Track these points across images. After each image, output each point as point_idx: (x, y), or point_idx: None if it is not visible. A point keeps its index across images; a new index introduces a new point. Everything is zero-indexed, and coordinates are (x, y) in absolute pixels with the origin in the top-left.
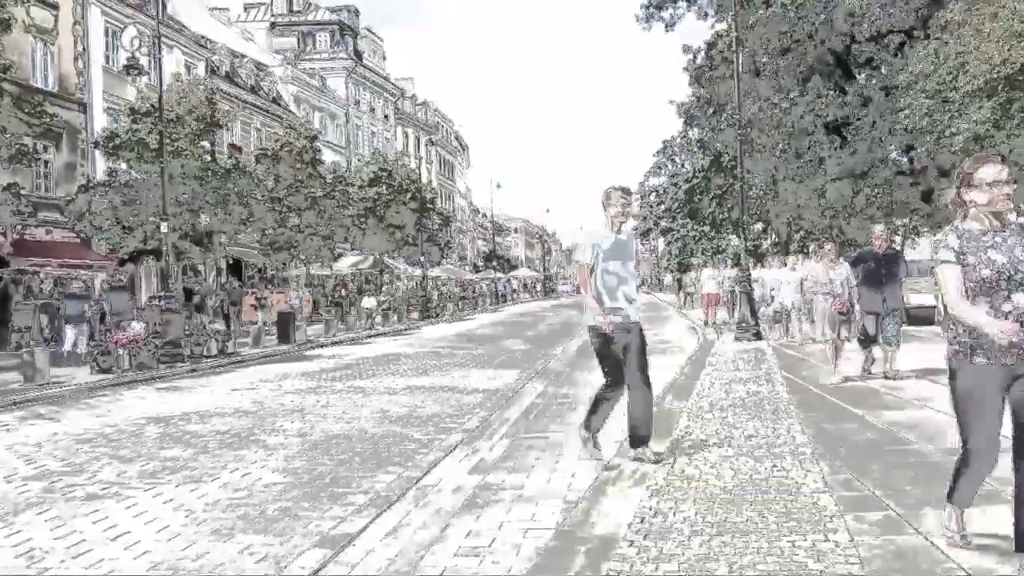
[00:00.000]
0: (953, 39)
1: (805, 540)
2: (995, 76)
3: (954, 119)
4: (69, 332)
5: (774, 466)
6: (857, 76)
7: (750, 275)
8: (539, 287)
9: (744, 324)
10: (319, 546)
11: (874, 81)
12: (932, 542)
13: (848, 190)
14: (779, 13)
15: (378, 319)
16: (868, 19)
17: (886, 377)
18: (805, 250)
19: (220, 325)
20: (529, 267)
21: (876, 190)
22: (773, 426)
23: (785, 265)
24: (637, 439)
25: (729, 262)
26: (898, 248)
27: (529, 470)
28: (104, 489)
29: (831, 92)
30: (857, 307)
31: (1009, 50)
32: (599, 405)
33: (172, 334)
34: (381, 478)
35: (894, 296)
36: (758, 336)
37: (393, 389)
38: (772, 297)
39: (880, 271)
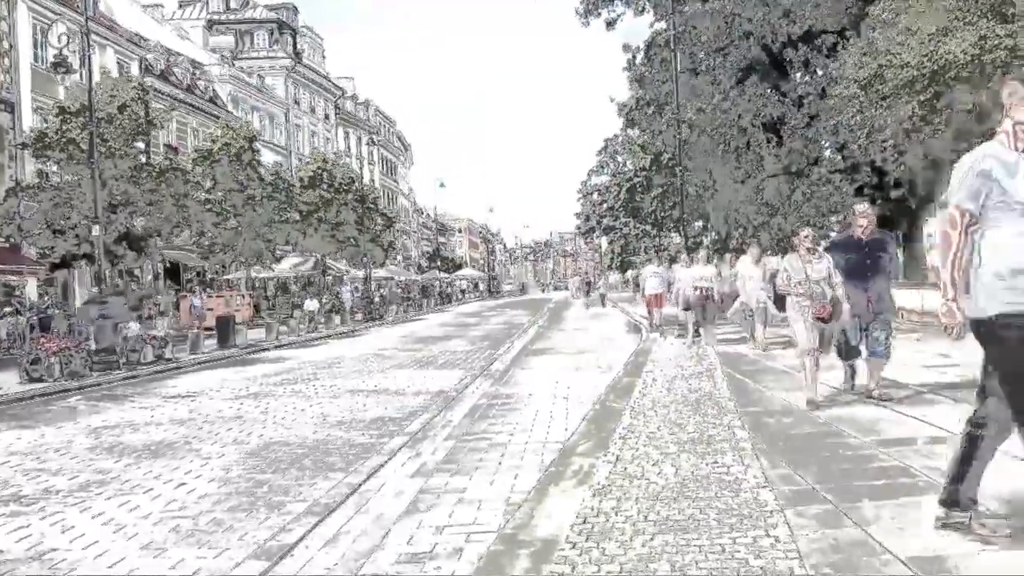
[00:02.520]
0: (882, 37)
1: (746, 536)
2: (922, 72)
3: (883, 113)
4: None
5: (715, 462)
6: (792, 76)
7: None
8: (484, 287)
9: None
10: (255, 558)
11: (808, 80)
12: (870, 534)
13: (785, 188)
14: (716, 10)
15: (321, 322)
16: (800, 18)
17: (870, 396)
18: (743, 247)
19: (160, 331)
20: (474, 267)
21: (811, 187)
22: (714, 422)
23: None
24: None
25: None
26: (886, 233)
27: (472, 472)
28: (29, 505)
29: (768, 91)
30: (845, 307)
31: (935, 46)
32: (973, 451)
33: (106, 341)
34: (321, 484)
35: (883, 295)
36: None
37: (335, 393)
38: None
39: (865, 263)
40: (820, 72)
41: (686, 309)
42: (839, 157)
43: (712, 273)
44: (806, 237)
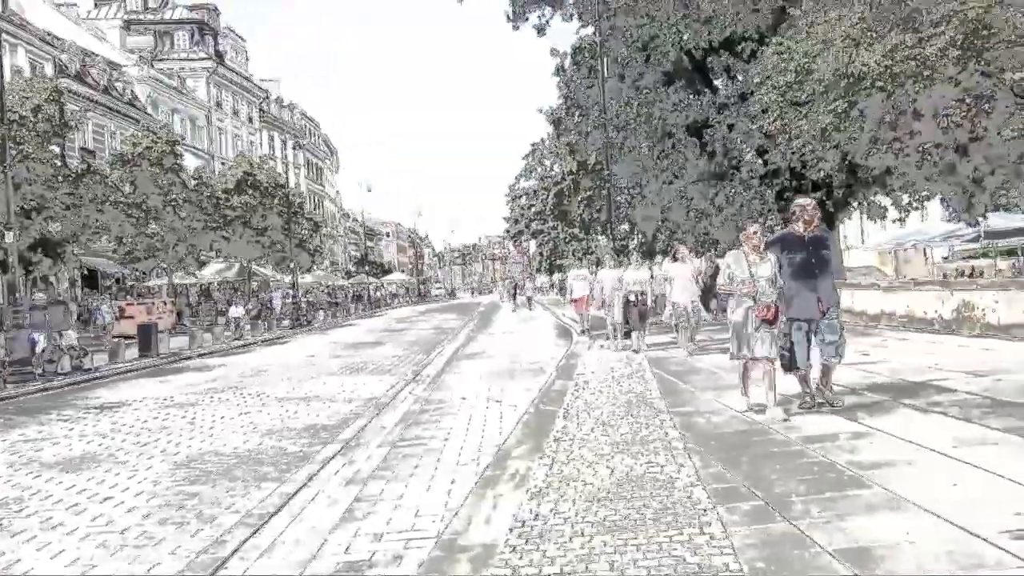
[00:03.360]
0: (799, 47)
1: (682, 534)
2: (837, 81)
3: (800, 121)
4: None
5: (649, 462)
6: (714, 81)
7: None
8: (413, 291)
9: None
10: (189, 570)
11: (729, 86)
12: (799, 528)
13: (709, 192)
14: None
15: (247, 328)
16: (720, 25)
17: (823, 402)
18: (670, 250)
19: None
20: (402, 271)
21: (734, 191)
22: (646, 423)
23: (620, 266)
24: None
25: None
26: (824, 230)
27: (408, 479)
28: None
29: (691, 96)
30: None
31: (849, 57)
32: None
33: (19, 351)
34: (254, 495)
35: (830, 292)
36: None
37: (264, 401)
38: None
39: (810, 261)
40: (741, 78)
41: (626, 322)
42: (760, 162)
43: (646, 277)
44: (754, 234)
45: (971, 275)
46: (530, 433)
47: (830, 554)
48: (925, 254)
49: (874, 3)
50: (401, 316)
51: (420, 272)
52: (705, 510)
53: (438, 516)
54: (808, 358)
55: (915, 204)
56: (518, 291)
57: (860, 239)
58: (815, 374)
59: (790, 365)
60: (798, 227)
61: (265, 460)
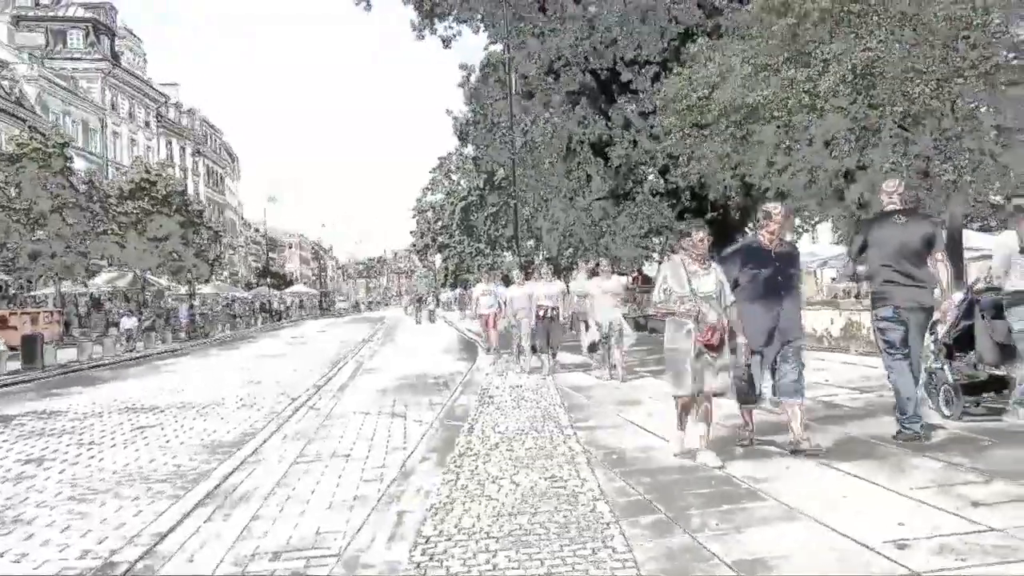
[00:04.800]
0: (700, 75)
1: (585, 548)
2: (736, 110)
3: (702, 145)
4: None
5: (552, 476)
6: (619, 101)
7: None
8: (316, 304)
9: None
10: None
11: (633, 106)
12: (699, 541)
13: (612, 209)
14: (547, 35)
15: (139, 341)
16: (625, 47)
17: (797, 450)
18: (573, 265)
19: None
20: (305, 283)
21: (636, 209)
22: (551, 438)
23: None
24: None
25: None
26: (794, 246)
27: (309, 495)
28: None
29: (596, 115)
30: (741, 341)
31: (747, 88)
32: None
33: None
34: (158, 506)
35: (794, 319)
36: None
37: (159, 415)
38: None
39: (776, 279)
40: (645, 99)
41: (544, 342)
42: (661, 181)
43: (559, 290)
44: (700, 241)
45: (857, 296)
46: (435, 448)
47: (727, 565)
48: (816, 275)
49: (769, 39)
50: (303, 329)
51: (324, 285)
52: (608, 524)
53: (340, 533)
54: (761, 390)
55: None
56: (422, 305)
57: None
58: (792, 421)
59: (744, 398)
60: (765, 238)
61: (158, 478)
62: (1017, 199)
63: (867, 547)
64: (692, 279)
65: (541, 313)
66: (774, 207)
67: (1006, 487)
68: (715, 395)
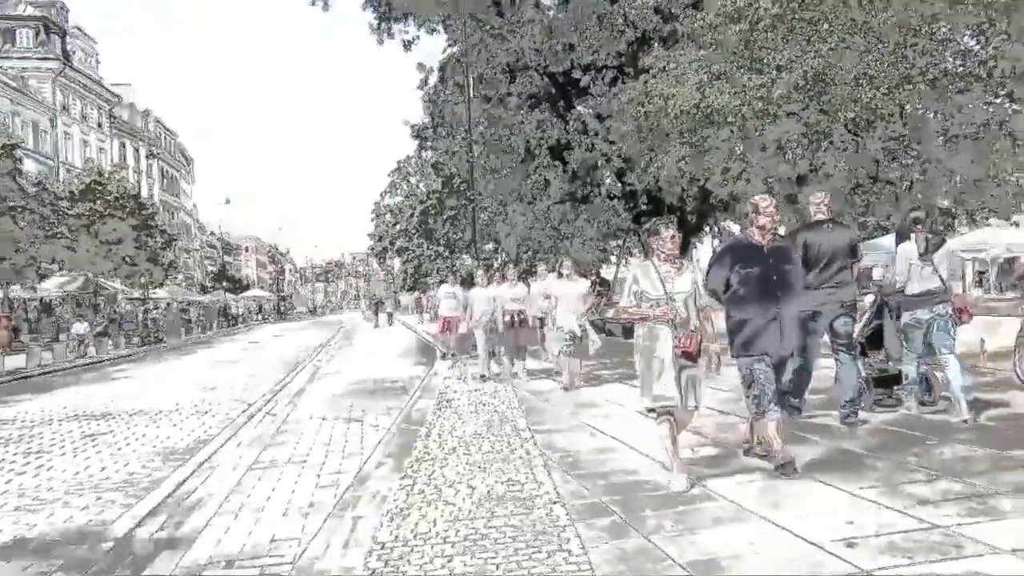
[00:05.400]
0: (656, 81)
1: (541, 552)
2: (692, 117)
3: (659, 152)
4: None
5: (509, 480)
6: (576, 104)
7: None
8: (273, 308)
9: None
10: None
11: (590, 110)
12: (653, 542)
13: (571, 212)
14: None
15: (91, 347)
16: (582, 51)
17: (748, 452)
18: (533, 269)
19: None
20: (262, 287)
21: (594, 213)
22: (508, 442)
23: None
24: None
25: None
26: (788, 241)
27: (263, 503)
28: None
29: (554, 119)
30: (714, 348)
31: (702, 95)
32: None
33: None
34: (108, 516)
35: (795, 323)
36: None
37: (111, 422)
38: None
39: (771, 278)
40: (602, 103)
41: (508, 351)
42: (618, 184)
43: (523, 293)
44: (671, 239)
45: None
46: (391, 453)
47: (681, 566)
48: None
49: (723, 45)
50: (260, 333)
51: (281, 289)
52: (564, 527)
53: (295, 540)
54: (772, 400)
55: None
56: (381, 309)
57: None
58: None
59: (755, 410)
60: (755, 234)
61: (109, 486)
62: (915, 212)
63: (817, 546)
64: (666, 281)
65: (508, 318)
66: (762, 199)
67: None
68: (688, 407)
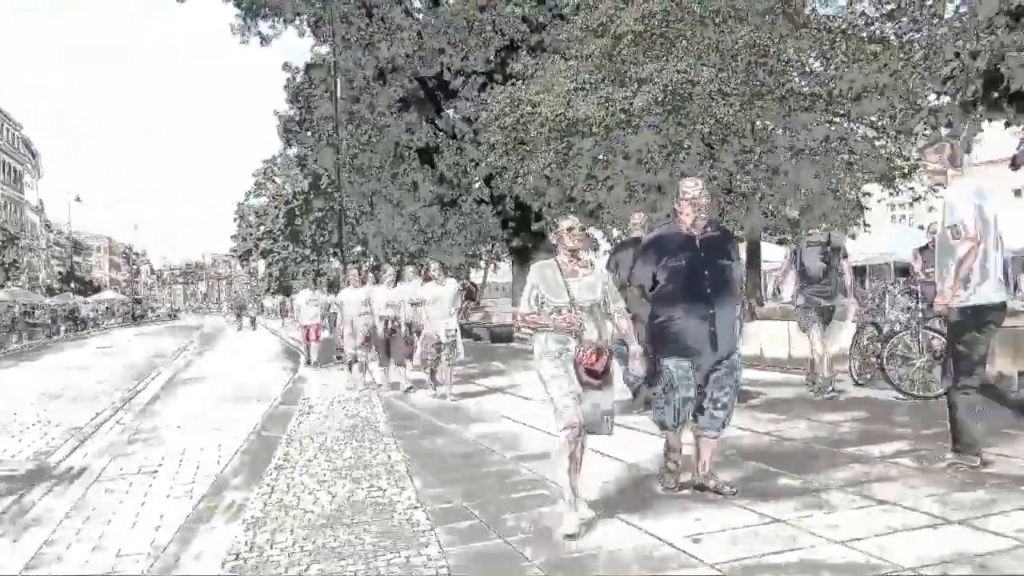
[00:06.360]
0: (523, 90)
1: (399, 557)
2: (558, 126)
3: (526, 161)
4: None
5: (371, 487)
6: (445, 109)
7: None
8: (128, 311)
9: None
10: None
11: (459, 115)
12: (510, 544)
13: (439, 216)
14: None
15: None
16: (452, 57)
17: (703, 486)
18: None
19: None
20: (116, 289)
21: (463, 217)
22: (371, 447)
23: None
24: None
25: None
26: (725, 229)
27: (111, 516)
28: None
29: (423, 122)
30: (635, 349)
31: (568, 104)
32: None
33: None
34: None
35: (731, 325)
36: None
37: None
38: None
39: (702, 272)
40: (471, 109)
41: (381, 360)
42: (486, 189)
43: (399, 297)
44: (570, 230)
45: None
46: (250, 461)
47: (537, 567)
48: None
49: (588, 57)
50: (113, 338)
51: (136, 291)
52: (424, 532)
53: (143, 555)
54: (686, 410)
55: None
56: (243, 312)
57: None
58: (702, 453)
59: (672, 421)
60: (685, 221)
61: None
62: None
63: (667, 543)
64: (571, 285)
65: (384, 324)
66: (686, 181)
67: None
68: (589, 433)
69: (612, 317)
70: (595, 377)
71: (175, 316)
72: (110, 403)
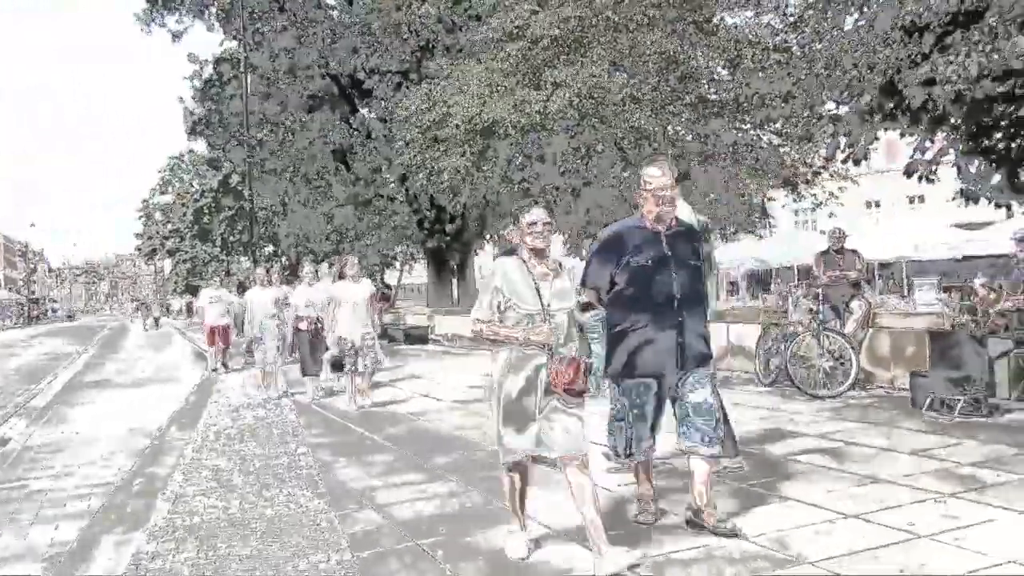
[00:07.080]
0: (439, 89)
1: (308, 562)
2: (473, 127)
3: (441, 159)
4: None
5: (281, 491)
6: (360, 108)
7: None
8: (23, 312)
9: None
10: None
11: (374, 114)
12: (419, 544)
13: (353, 216)
14: (285, 38)
15: None
16: (366, 56)
17: (695, 522)
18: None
19: None
20: (10, 289)
21: (377, 216)
22: (281, 451)
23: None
24: None
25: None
26: (695, 224)
27: (1, 529)
28: None
29: (337, 121)
30: (594, 362)
31: (482, 106)
32: None
33: None
34: None
35: (701, 329)
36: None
37: None
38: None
39: (669, 272)
40: (386, 107)
41: (303, 366)
42: (403, 189)
43: (321, 298)
44: (531, 225)
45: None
46: (155, 466)
47: (443, 566)
48: None
49: (504, 59)
50: (3, 340)
51: (32, 291)
52: (335, 535)
53: (37, 568)
54: (653, 435)
55: None
56: (148, 312)
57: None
58: (695, 477)
59: (624, 448)
60: (648, 215)
61: None
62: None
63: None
64: (540, 286)
65: (303, 325)
66: (651, 168)
67: None
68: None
69: (585, 329)
70: (577, 395)
71: (74, 317)
72: (2, 409)
